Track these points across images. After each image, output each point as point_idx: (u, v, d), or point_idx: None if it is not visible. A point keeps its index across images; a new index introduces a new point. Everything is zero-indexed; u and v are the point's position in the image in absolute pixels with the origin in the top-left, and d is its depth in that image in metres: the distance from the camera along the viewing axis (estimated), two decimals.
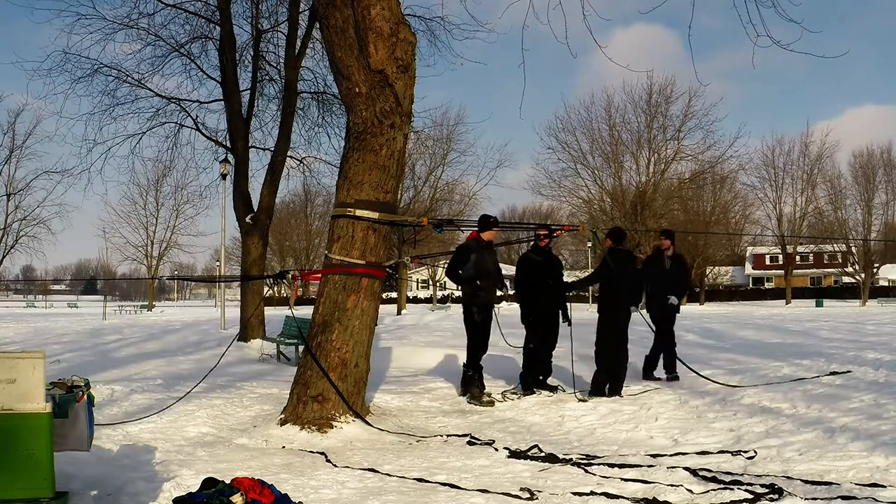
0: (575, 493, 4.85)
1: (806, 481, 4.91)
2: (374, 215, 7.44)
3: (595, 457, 5.96)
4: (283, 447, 6.59)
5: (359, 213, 7.41)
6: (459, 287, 9.11)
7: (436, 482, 5.23)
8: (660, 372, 9.71)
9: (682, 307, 9.93)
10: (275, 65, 18.96)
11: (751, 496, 4.61)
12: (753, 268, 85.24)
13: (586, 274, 9.66)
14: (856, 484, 4.78)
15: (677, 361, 9.58)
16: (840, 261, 64.94)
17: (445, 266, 9.57)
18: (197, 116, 19.32)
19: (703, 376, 9.20)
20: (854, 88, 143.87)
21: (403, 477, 5.40)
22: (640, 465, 5.56)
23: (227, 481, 4.48)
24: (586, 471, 5.45)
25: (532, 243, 9.56)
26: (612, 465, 5.58)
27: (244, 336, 17.43)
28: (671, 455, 5.93)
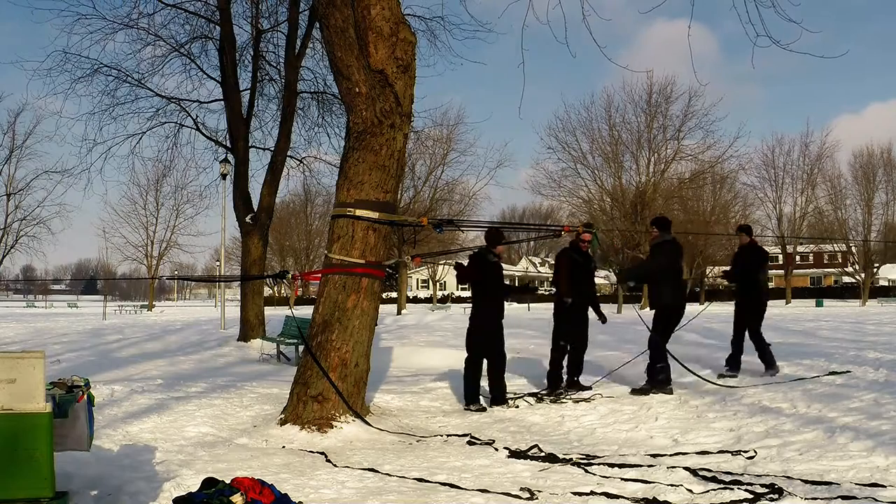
0: (575, 493, 4.85)
1: (806, 481, 4.91)
2: (374, 215, 7.44)
3: (595, 457, 5.96)
4: (283, 447, 6.59)
5: (359, 212, 7.41)
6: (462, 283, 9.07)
7: (436, 482, 5.23)
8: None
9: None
10: (275, 65, 18.99)
11: (751, 496, 4.61)
12: None
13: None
14: (856, 484, 4.78)
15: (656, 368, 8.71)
16: (840, 261, 64.93)
17: (456, 272, 9.38)
18: (197, 116, 19.39)
19: (700, 377, 9.18)
20: (879, 84, 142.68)
21: (403, 477, 5.41)
22: (640, 465, 5.56)
23: (227, 481, 4.48)
24: (586, 471, 5.45)
25: (571, 242, 9.27)
26: (612, 465, 5.58)
27: (244, 336, 17.46)
28: (671, 455, 5.93)
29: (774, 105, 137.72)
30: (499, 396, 8.44)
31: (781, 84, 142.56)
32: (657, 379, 8.52)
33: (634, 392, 8.54)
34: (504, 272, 9.24)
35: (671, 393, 8.33)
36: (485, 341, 8.50)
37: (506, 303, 8.95)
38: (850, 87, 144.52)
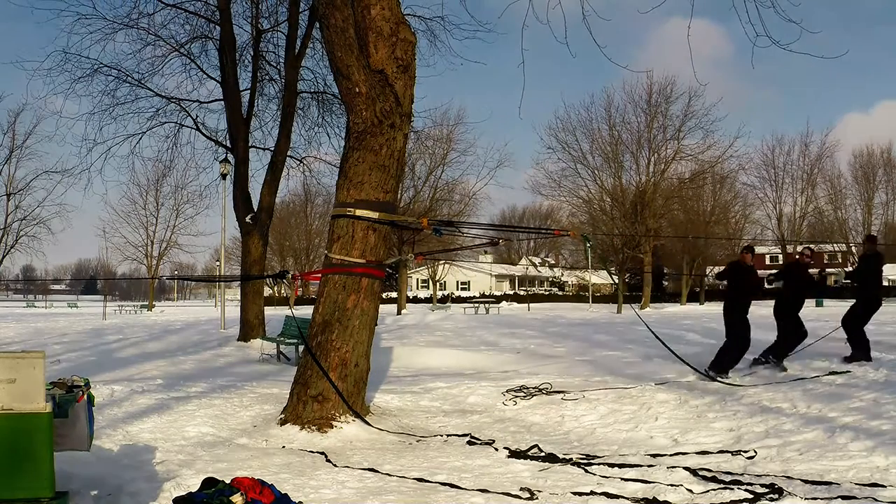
0: (575, 493, 4.86)
1: (806, 481, 4.91)
2: (374, 215, 7.44)
3: (595, 457, 5.96)
4: (283, 447, 6.59)
5: (359, 212, 7.41)
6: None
7: (436, 482, 5.24)
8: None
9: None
10: (275, 65, 18.98)
11: (751, 496, 4.61)
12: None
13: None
14: (856, 484, 4.78)
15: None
16: (840, 261, 64.85)
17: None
18: (197, 116, 19.35)
19: (700, 371, 9.19)
20: (888, 82, 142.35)
21: (403, 477, 5.41)
22: (640, 465, 5.56)
23: (227, 481, 4.48)
24: (586, 471, 5.46)
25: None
26: (612, 465, 5.59)
27: (244, 336, 17.45)
28: (671, 455, 5.93)
29: (782, 105, 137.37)
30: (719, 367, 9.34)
31: (791, 84, 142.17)
32: (860, 350, 10.02)
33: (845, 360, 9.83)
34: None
35: (870, 360, 9.70)
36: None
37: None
38: (859, 85, 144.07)
